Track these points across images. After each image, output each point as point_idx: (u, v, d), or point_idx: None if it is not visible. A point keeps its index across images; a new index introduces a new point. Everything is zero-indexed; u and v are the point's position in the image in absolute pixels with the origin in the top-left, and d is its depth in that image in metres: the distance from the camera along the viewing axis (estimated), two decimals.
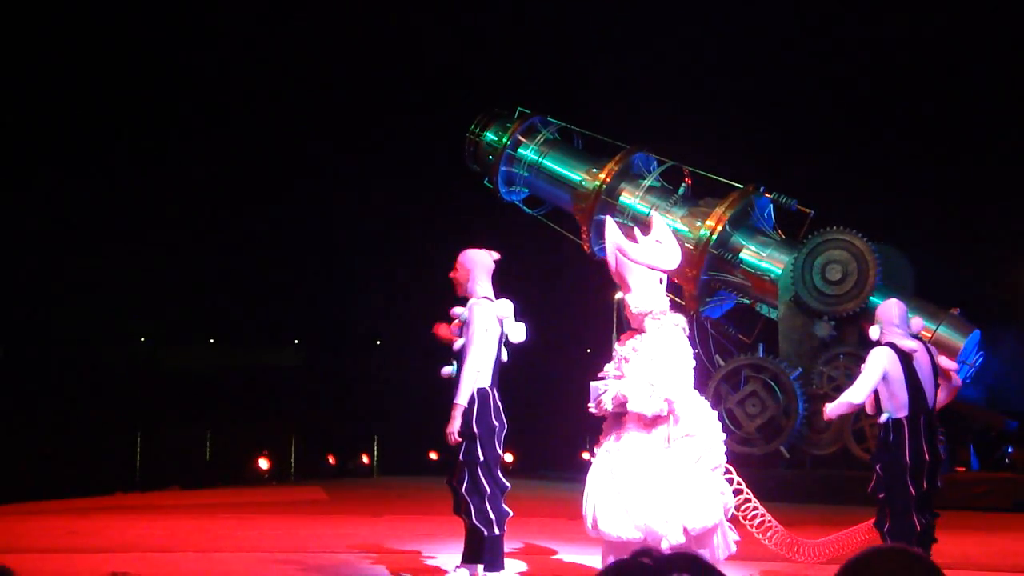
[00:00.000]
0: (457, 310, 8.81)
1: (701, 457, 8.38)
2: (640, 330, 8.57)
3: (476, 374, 8.66)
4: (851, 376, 18.02)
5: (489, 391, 8.80)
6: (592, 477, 8.43)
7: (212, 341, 31.87)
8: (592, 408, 8.53)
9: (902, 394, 8.48)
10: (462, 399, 8.64)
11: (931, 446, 8.48)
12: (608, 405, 8.41)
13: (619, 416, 8.46)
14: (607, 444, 8.47)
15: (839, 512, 12.79)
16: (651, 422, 8.32)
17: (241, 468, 21.82)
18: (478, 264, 8.88)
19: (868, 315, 18.36)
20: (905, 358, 8.55)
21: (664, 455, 8.26)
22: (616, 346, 8.75)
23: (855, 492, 11.93)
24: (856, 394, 8.68)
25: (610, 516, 8.17)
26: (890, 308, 8.80)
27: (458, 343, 8.77)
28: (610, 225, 8.91)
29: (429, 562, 10.12)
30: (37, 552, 9.86)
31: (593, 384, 8.56)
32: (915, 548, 2.65)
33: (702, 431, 8.43)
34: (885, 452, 8.62)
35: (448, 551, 9.86)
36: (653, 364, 8.36)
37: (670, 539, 8.08)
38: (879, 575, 2.51)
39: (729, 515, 8.61)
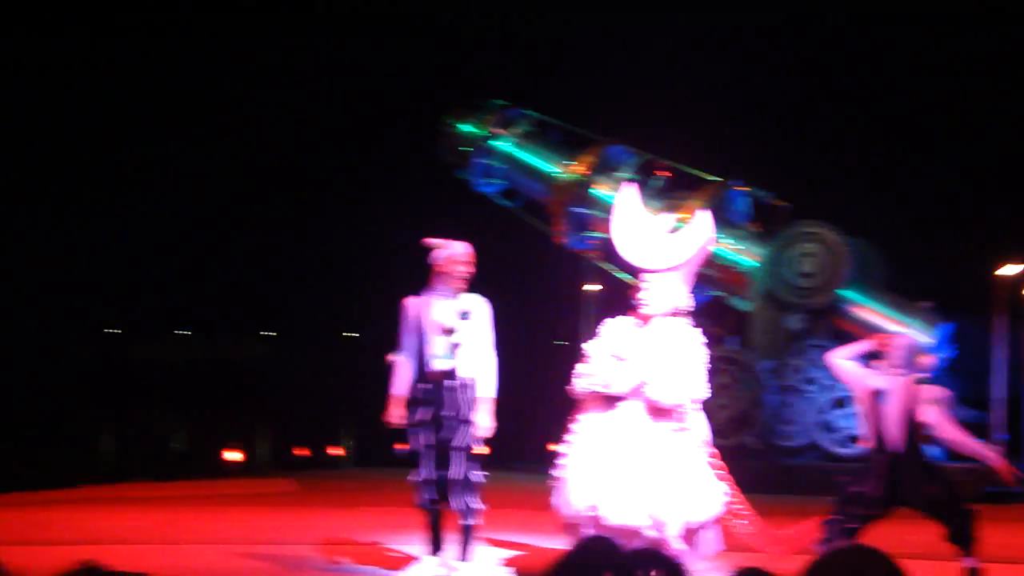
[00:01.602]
0: (467, 305, 8.85)
1: (699, 454, 8.45)
2: (650, 318, 8.52)
3: None
4: (821, 369, 18.17)
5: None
6: (586, 459, 8.29)
7: (184, 333, 31.76)
8: (598, 387, 8.37)
9: (865, 427, 8.62)
10: (493, 392, 8.78)
11: (890, 483, 8.55)
12: (623, 387, 8.34)
13: (609, 399, 8.39)
14: (601, 426, 8.37)
15: (809, 503, 12.82)
16: (658, 413, 8.31)
17: (212, 460, 21.75)
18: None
19: (839, 308, 18.49)
20: (873, 395, 8.69)
21: (669, 448, 8.28)
22: (613, 328, 8.68)
23: (824, 483, 11.96)
24: (839, 353, 8.80)
25: (614, 500, 8.11)
26: (894, 347, 8.86)
27: (461, 336, 8.81)
28: (703, 219, 8.99)
29: (397, 554, 10.13)
30: (3, 544, 9.80)
31: (606, 362, 8.41)
32: (875, 547, 2.67)
33: (699, 428, 8.50)
34: (856, 471, 8.81)
35: (415, 543, 9.85)
36: (679, 358, 8.37)
37: (671, 530, 8.14)
38: (844, 572, 2.53)
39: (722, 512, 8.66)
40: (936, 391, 8.55)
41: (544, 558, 8.71)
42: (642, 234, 8.85)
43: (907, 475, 8.46)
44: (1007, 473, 8.52)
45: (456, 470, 8.69)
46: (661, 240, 8.79)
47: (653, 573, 2.15)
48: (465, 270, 8.90)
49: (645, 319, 8.55)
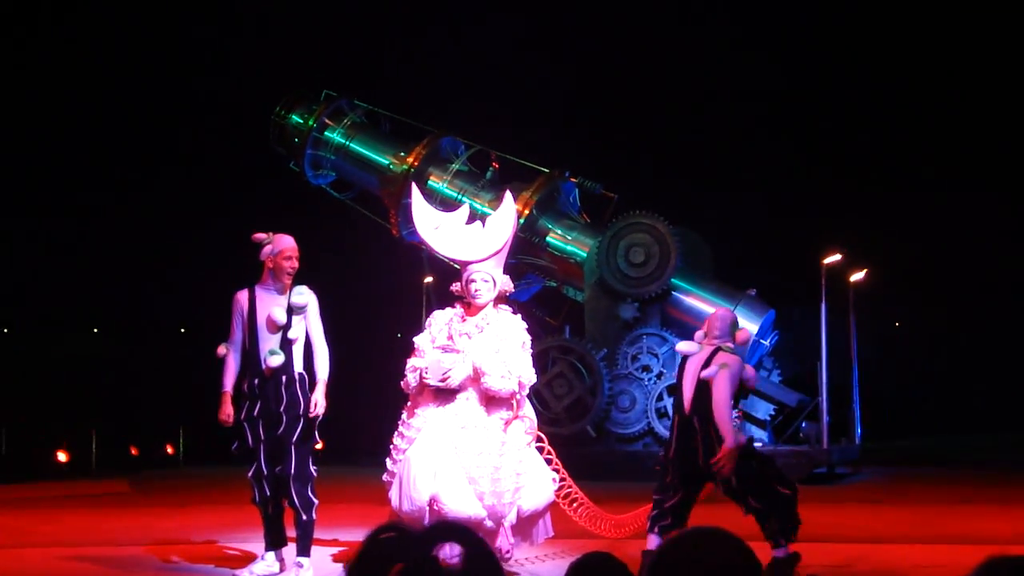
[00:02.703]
0: (298, 300, 8.76)
1: (531, 440, 8.51)
2: (479, 308, 8.52)
3: None
4: (654, 356, 18.54)
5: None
6: (424, 452, 8.19)
7: (6, 331, 30.74)
8: (434, 381, 8.30)
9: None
10: (326, 375, 8.72)
11: (680, 446, 8.83)
12: (457, 379, 8.28)
13: (443, 393, 8.35)
14: (437, 419, 8.32)
15: (644, 488, 13.05)
16: (492, 402, 8.33)
17: (39, 461, 21.06)
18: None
19: (670, 297, 18.86)
20: (681, 361, 9.04)
21: (503, 436, 8.31)
22: (439, 321, 8.65)
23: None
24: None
25: (456, 493, 8.07)
26: (713, 318, 9.13)
27: (293, 331, 8.72)
28: (509, 203, 8.94)
29: (235, 551, 9.99)
30: None
31: (439, 356, 8.36)
32: (726, 529, 2.72)
33: (529, 414, 8.56)
34: None
35: (252, 540, 9.74)
36: (508, 345, 8.39)
37: (509, 518, 8.20)
38: (693, 555, 2.56)
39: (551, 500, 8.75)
40: (726, 358, 8.75)
41: None
42: (448, 229, 8.84)
43: (694, 438, 8.73)
44: (723, 459, 8.58)
45: (291, 465, 8.62)
46: (470, 231, 8.80)
47: (449, 548, 2.13)
48: (292, 264, 8.82)
49: (471, 309, 8.59)
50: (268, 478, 8.70)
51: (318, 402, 8.71)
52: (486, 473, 8.16)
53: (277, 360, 8.68)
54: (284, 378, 8.72)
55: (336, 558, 9.64)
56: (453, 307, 8.68)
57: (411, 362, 8.49)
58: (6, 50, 25.56)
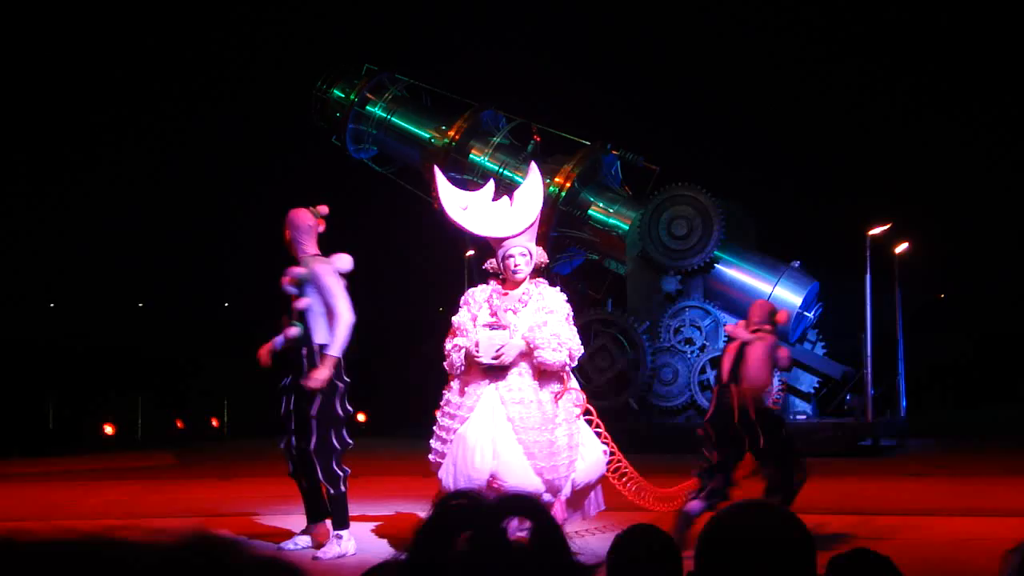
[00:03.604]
0: (297, 270, 8.74)
1: (580, 413, 8.46)
2: (518, 283, 8.48)
3: (350, 328, 8.70)
4: (697, 329, 18.46)
5: None
6: (480, 429, 8.10)
7: (52, 305, 31.06)
8: (487, 359, 8.16)
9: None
10: (337, 351, 8.64)
11: (717, 407, 9.14)
12: (511, 355, 8.16)
13: (494, 369, 8.25)
14: (490, 396, 8.21)
15: (686, 461, 13.00)
16: (543, 376, 8.26)
17: (86, 434, 21.29)
18: (298, 225, 8.84)
19: (712, 269, 18.76)
20: (727, 340, 9.56)
21: (556, 410, 8.26)
22: (477, 298, 8.59)
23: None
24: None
25: (517, 469, 8.00)
26: (753, 307, 9.53)
27: (303, 302, 8.70)
28: (535, 173, 8.90)
29: (274, 524, 10.03)
30: None
31: (488, 334, 8.24)
32: (777, 503, 2.71)
33: (578, 388, 8.51)
34: None
35: (295, 513, 9.78)
36: (555, 318, 8.33)
37: (565, 492, 8.17)
38: (745, 528, 2.52)
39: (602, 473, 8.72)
40: (762, 335, 9.13)
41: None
42: (476, 207, 8.75)
43: (729, 401, 8.94)
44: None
45: (312, 439, 8.58)
46: (498, 208, 8.71)
47: (518, 523, 2.10)
48: (301, 236, 8.80)
49: (508, 284, 8.51)
50: (293, 452, 8.73)
51: (314, 375, 8.63)
52: (543, 448, 8.09)
53: (295, 331, 8.69)
54: (304, 349, 8.70)
55: (377, 532, 9.66)
56: (487, 284, 8.59)
57: (454, 342, 8.36)
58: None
